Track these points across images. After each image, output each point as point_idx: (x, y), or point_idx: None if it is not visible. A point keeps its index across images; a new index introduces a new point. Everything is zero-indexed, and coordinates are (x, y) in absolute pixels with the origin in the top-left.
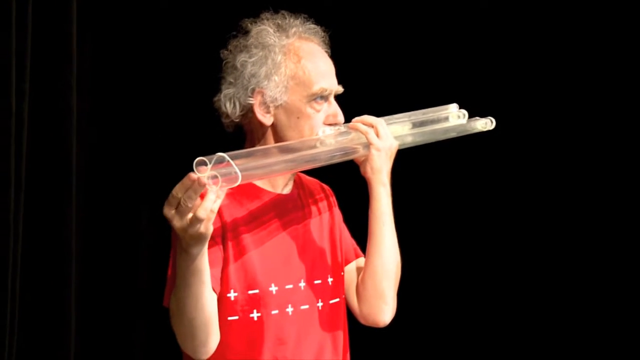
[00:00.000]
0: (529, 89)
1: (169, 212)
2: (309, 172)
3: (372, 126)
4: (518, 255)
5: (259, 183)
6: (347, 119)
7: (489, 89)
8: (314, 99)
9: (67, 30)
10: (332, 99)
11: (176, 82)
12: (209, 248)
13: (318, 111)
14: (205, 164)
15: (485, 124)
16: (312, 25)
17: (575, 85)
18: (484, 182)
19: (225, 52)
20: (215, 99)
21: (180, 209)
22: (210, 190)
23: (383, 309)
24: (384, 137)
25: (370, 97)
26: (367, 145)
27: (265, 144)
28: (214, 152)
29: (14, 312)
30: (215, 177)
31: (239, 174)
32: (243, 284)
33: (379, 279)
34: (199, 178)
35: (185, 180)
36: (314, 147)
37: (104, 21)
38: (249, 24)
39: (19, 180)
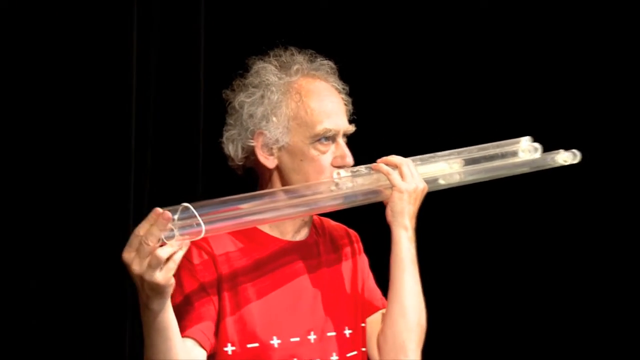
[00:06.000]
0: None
1: (129, 255)
2: (332, 216)
3: (396, 166)
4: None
5: (265, 229)
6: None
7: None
8: (318, 140)
9: (194, 36)
10: (340, 139)
11: None
12: (200, 301)
13: (324, 153)
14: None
15: (567, 157)
16: (324, 62)
17: None
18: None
19: (227, 92)
20: (219, 140)
21: (140, 250)
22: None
23: None
24: (408, 179)
25: (421, 132)
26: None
27: (272, 187)
28: None
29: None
30: (172, 230)
31: (203, 226)
32: (241, 337)
33: (398, 330)
34: (164, 212)
35: (149, 216)
36: (327, 191)
37: (230, 22)
38: (255, 62)
39: (142, 185)
